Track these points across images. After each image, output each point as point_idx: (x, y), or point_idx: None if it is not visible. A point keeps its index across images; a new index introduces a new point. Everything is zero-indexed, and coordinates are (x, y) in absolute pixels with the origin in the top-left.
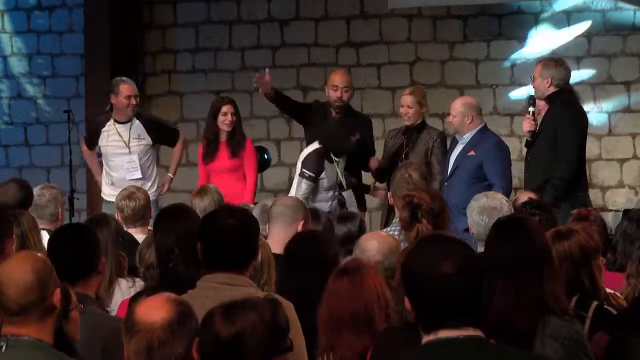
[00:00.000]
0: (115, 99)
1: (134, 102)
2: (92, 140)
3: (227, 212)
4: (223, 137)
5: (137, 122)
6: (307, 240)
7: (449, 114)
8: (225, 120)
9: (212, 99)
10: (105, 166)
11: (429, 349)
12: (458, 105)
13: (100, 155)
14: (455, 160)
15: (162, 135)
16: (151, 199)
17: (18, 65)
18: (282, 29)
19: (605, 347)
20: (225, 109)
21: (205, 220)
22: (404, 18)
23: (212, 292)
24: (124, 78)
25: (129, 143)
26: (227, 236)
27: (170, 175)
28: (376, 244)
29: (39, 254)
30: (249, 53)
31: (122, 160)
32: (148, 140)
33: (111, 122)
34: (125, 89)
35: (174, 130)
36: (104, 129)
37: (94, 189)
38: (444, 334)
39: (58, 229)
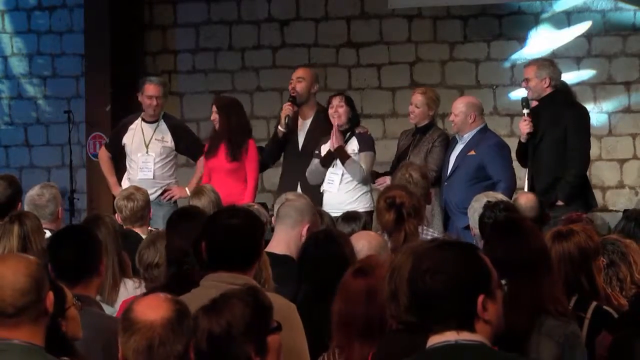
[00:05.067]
0: (140, 97)
1: (155, 102)
2: (115, 139)
3: (231, 212)
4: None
5: (163, 124)
6: (323, 239)
7: (447, 114)
8: (213, 120)
9: (212, 99)
10: (127, 163)
11: (425, 356)
12: (460, 105)
13: (118, 149)
14: (455, 159)
15: (185, 143)
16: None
17: (18, 65)
18: (282, 29)
19: (609, 347)
20: (213, 108)
21: (209, 220)
22: (404, 18)
23: (214, 290)
24: (152, 78)
25: (149, 143)
26: (230, 236)
27: (187, 190)
28: (366, 243)
29: (31, 257)
30: (249, 53)
31: (139, 158)
32: (171, 143)
33: (139, 120)
34: (149, 88)
35: (199, 143)
36: (131, 126)
37: (94, 189)
38: (439, 338)
39: (59, 231)
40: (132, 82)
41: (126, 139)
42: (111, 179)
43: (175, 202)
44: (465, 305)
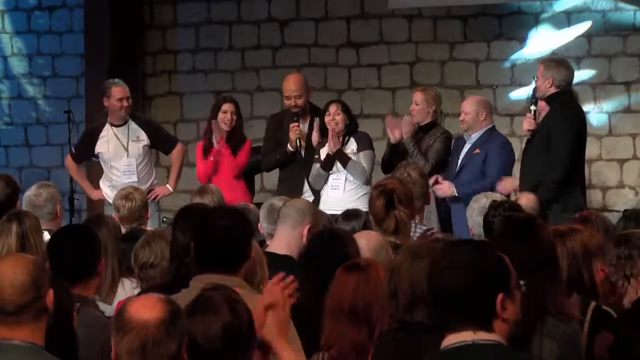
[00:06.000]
0: (107, 101)
1: (125, 103)
2: (85, 149)
3: (221, 212)
4: (222, 135)
5: (132, 124)
6: (327, 238)
7: (447, 114)
8: (224, 118)
9: (212, 99)
10: (105, 169)
11: (442, 356)
12: (471, 103)
13: (87, 158)
14: (462, 159)
15: (157, 138)
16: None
17: (18, 65)
18: (282, 29)
19: (609, 347)
20: (225, 107)
21: (198, 220)
22: (404, 18)
23: None
24: (116, 80)
25: (127, 146)
26: (219, 237)
27: (170, 187)
28: (365, 242)
29: (31, 256)
30: (249, 53)
31: (120, 163)
32: (146, 141)
33: (107, 126)
34: (117, 91)
35: (171, 137)
36: (101, 135)
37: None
38: (456, 338)
39: (58, 230)
40: (132, 82)
41: (100, 148)
42: (84, 183)
43: (158, 201)
44: (484, 303)
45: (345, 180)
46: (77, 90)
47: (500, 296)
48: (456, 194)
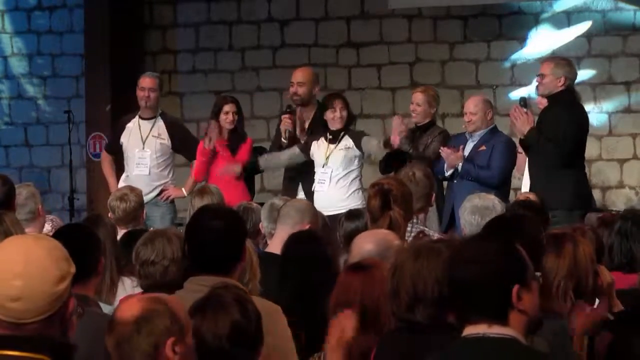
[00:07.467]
0: (137, 90)
1: (146, 94)
2: (114, 139)
3: (213, 213)
4: (224, 136)
5: (160, 121)
6: (303, 239)
7: (447, 114)
8: (226, 119)
9: (212, 99)
10: (124, 160)
11: (455, 346)
12: (474, 104)
13: (117, 149)
14: (467, 155)
15: (180, 141)
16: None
17: (18, 65)
18: (282, 29)
19: (608, 345)
20: (227, 107)
21: (191, 220)
22: (404, 18)
23: (198, 294)
24: (150, 72)
25: (145, 139)
26: (211, 238)
27: (184, 190)
28: (372, 242)
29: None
30: (249, 53)
31: (135, 154)
32: (167, 141)
33: (136, 118)
34: (143, 81)
35: (197, 143)
36: (128, 125)
37: (93, 189)
38: (472, 329)
39: (58, 229)
40: (132, 82)
41: (123, 138)
42: (110, 179)
43: (172, 202)
44: (499, 296)
45: (331, 174)
46: (77, 90)
47: (516, 287)
48: (458, 167)
